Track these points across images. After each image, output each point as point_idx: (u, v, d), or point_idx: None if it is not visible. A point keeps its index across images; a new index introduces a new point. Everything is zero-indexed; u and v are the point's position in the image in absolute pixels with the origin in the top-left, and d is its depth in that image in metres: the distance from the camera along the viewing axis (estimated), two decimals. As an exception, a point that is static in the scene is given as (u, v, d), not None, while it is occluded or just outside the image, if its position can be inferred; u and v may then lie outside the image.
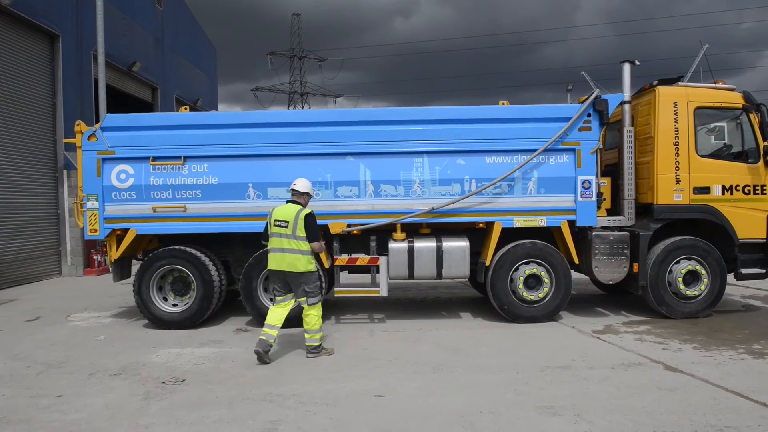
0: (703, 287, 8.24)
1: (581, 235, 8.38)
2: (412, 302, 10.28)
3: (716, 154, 8.42)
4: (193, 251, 8.16)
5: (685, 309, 8.27)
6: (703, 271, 8.21)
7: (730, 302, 9.51)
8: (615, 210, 8.61)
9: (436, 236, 8.28)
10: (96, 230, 8.13)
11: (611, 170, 8.86)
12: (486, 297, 8.77)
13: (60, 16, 14.48)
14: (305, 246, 6.50)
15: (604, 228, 8.36)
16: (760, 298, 10.01)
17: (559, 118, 8.11)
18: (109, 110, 12.25)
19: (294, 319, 7.01)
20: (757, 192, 8.29)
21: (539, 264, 8.18)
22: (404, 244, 8.16)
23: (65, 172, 14.62)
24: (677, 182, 8.21)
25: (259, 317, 8.14)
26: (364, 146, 8.06)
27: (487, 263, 8.20)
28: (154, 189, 8.08)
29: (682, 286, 8.20)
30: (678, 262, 8.24)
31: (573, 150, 8.10)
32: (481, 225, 8.35)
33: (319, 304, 6.68)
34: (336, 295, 8.28)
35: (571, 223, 8.19)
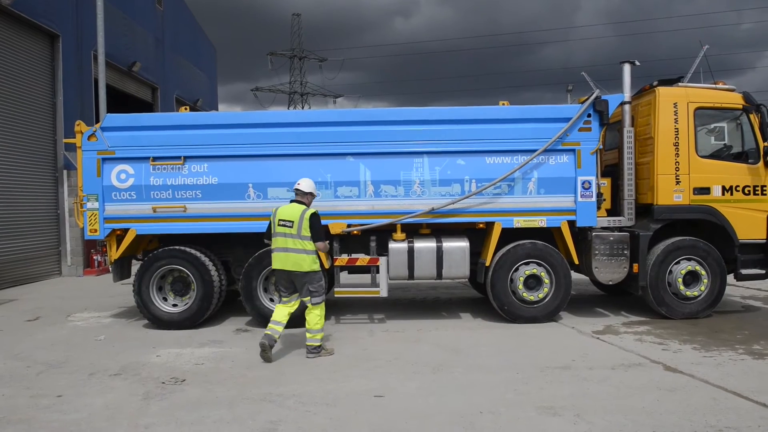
0: (703, 288, 8.25)
1: (581, 235, 8.38)
2: (412, 302, 10.28)
3: (716, 155, 8.42)
4: (193, 251, 8.16)
5: (685, 309, 8.27)
6: (703, 272, 8.22)
7: (730, 303, 9.51)
8: (615, 210, 8.61)
9: (436, 236, 8.28)
10: (96, 230, 8.13)
11: (611, 171, 8.86)
12: (486, 297, 8.77)
13: (60, 16, 14.48)
14: (310, 246, 6.53)
15: (604, 228, 8.36)
16: (760, 298, 10.01)
17: (559, 118, 8.11)
18: (109, 110, 12.25)
19: (295, 319, 7.02)
20: (757, 192, 8.29)
21: (539, 264, 8.18)
22: (404, 245, 8.16)
23: (65, 172, 14.62)
24: (677, 183, 8.22)
25: (259, 317, 8.15)
26: (365, 146, 8.06)
27: (487, 263, 8.21)
28: (154, 189, 8.08)
29: (682, 287, 8.20)
30: (678, 262, 8.24)
31: (573, 150, 8.11)
32: (481, 225, 8.35)
33: (323, 304, 6.71)
34: (336, 296, 8.28)
35: (571, 224, 8.20)
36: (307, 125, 8.17)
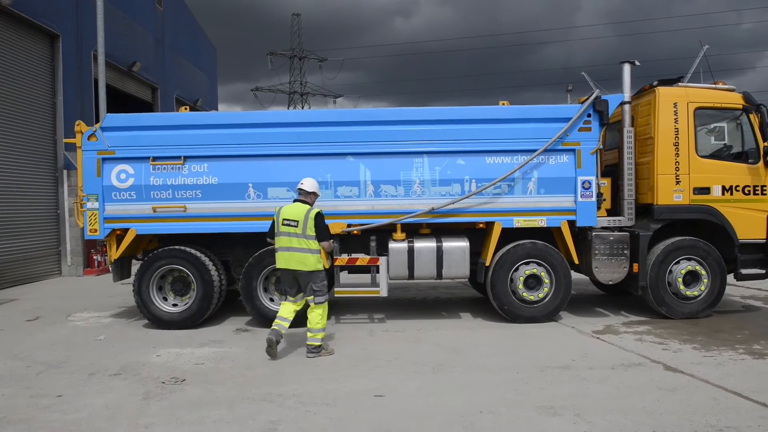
0: (703, 287, 8.25)
1: (581, 235, 8.38)
2: (412, 302, 10.28)
3: (716, 155, 8.42)
4: (193, 251, 8.16)
5: (685, 309, 8.27)
6: (703, 272, 8.22)
7: (730, 302, 9.51)
8: (615, 210, 8.61)
9: (436, 236, 8.28)
10: (96, 230, 8.13)
11: (611, 171, 8.86)
12: (486, 297, 8.77)
13: (60, 16, 14.48)
14: (315, 245, 6.56)
15: (604, 228, 8.36)
16: (760, 298, 10.01)
17: (559, 118, 8.11)
18: (109, 110, 12.24)
19: (297, 319, 7.02)
20: (757, 192, 8.29)
21: (539, 264, 8.18)
22: (404, 245, 8.16)
23: (65, 172, 14.62)
24: (677, 183, 8.22)
25: (259, 317, 8.15)
26: (365, 146, 8.06)
27: (487, 263, 8.21)
28: (154, 189, 8.08)
29: (682, 287, 8.20)
30: (678, 262, 8.24)
31: (573, 150, 8.11)
32: (481, 225, 8.35)
33: (326, 303, 6.73)
34: (336, 295, 8.28)
35: (571, 224, 8.20)
36: (307, 125, 8.17)
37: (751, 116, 8.32)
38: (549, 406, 4.96)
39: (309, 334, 6.67)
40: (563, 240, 8.18)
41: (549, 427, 4.57)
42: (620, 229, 8.40)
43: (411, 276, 8.20)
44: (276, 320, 6.70)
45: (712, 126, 8.49)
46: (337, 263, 8.10)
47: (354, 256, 8.27)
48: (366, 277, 8.32)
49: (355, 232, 8.15)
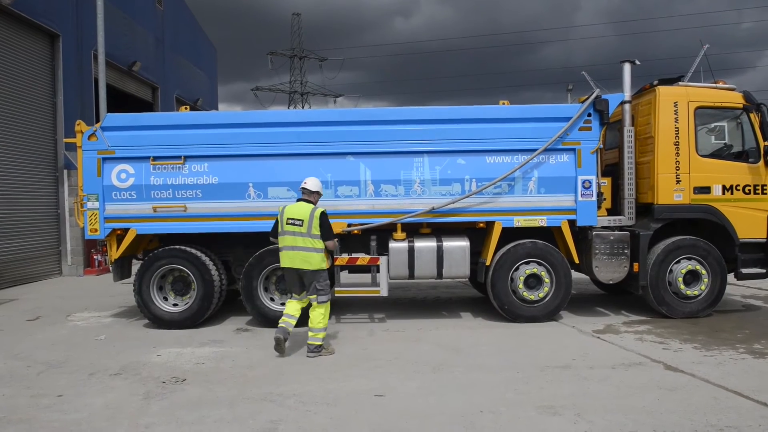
0: (703, 287, 8.24)
1: (581, 234, 8.38)
2: (413, 302, 10.28)
3: (717, 154, 8.42)
4: (194, 251, 8.16)
5: (685, 309, 8.27)
6: (704, 271, 8.21)
7: (730, 302, 9.51)
8: (615, 210, 8.61)
9: (437, 236, 8.28)
10: (96, 230, 8.13)
11: (611, 170, 8.86)
12: (486, 297, 8.77)
13: (60, 16, 14.48)
14: (319, 244, 6.59)
15: (604, 228, 8.36)
16: (761, 297, 10.00)
17: (560, 117, 8.11)
18: (110, 110, 12.24)
19: (300, 318, 7.02)
20: (757, 192, 8.28)
21: (539, 264, 8.18)
22: (404, 244, 8.15)
23: (65, 171, 14.62)
24: (677, 182, 8.21)
25: (259, 317, 8.15)
26: (365, 146, 8.06)
27: (488, 263, 8.20)
28: (155, 189, 8.08)
29: (682, 286, 8.20)
30: (678, 261, 8.24)
31: (573, 150, 8.10)
32: (482, 225, 8.35)
33: (328, 303, 6.76)
34: (336, 295, 8.27)
35: (572, 223, 8.19)
36: (308, 125, 8.17)
37: (752, 115, 8.32)
38: (549, 406, 4.96)
39: (310, 334, 6.67)
40: (563, 239, 8.18)
41: (549, 426, 4.57)
42: (620, 228, 8.40)
43: (411, 276, 8.20)
44: (282, 318, 6.75)
45: (713, 125, 8.49)
46: (337, 263, 8.10)
47: (354, 255, 8.28)
48: (366, 277, 8.31)
49: (356, 231, 8.15)
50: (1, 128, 12.75)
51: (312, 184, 6.87)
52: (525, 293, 8.16)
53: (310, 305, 6.80)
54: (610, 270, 8.25)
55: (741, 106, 8.35)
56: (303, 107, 65.94)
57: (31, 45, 13.79)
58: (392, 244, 8.16)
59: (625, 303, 9.57)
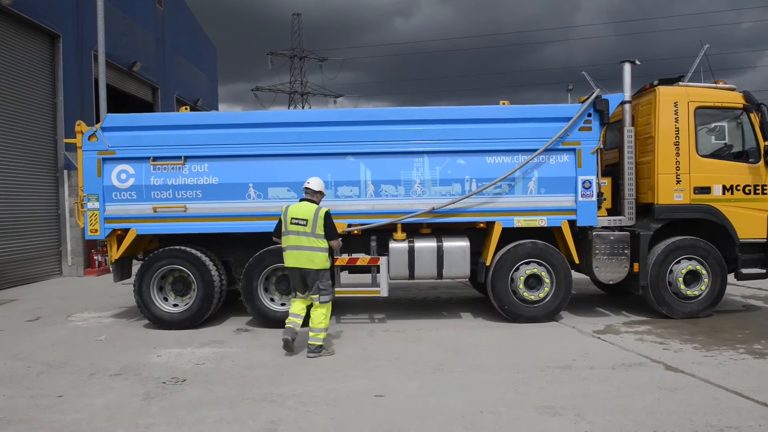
0: (703, 287, 8.24)
1: (582, 235, 8.38)
2: (413, 302, 10.27)
3: (717, 154, 8.41)
4: (194, 251, 8.16)
5: (685, 309, 8.26)
6: (704, 271, 8.21)
7: (730, 302, 9.50)
8: (615, 210, 8.61)
9: (437, 236, 8.28)
10: (96, 230, 8.13)
11: (612, 170, 8.86)
12: (486, 297, 8.77)
13: (60, 16, 14.49)
14: (324, 243, 6.63)
15: (604, 228, 8.35)
16: (761, 298, 10.00)
17: (560, 118, 8.11)
18: (110, 110, 12.25)
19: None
20: (757, 192, 8.28)
21: (540, 264, 8.18)
22: (405, 244, 8.15)
23: (66, 172, 14.63)
24: (678, 182, 8.21)
25: (259, 317, 8.16)
26: (365, 146, 8.06)
27: (488, 263, 8.20)
28: (155, 189, 8.08)
29: (682, 286, 8.20)
30: (678, 262, 8.24)
31: (573, 150, 8.10)
32: (482, 225, 8.35)
33: (330, 303, 6.77)
34: (336, 295, 8.26)
35: (572, 223, 8.19)
36: (308, 125, 8.17)
37: (752, 115, 8.32)
38: (549, 406, 4.96)
39: (311, 334, 6.68)
40: (564, 240, 8.18)
41: (549, 427, 4.57)
42: (621, 228, 8.40)
43: (411, 276, 8.20)
44: (289, 318, 6.78)
45: (713, 125, 8.49)
46: (337, 263, 8.10)
47: (354, 256, 8.28)
48: (366, 277, 8.32)
49: (356, 232, 8.15)
50: (1, 128, 12.76)
51: (315, 183, 6.90)
52: (525, 293, 8.15)
53: (311, 305, 6.81)
54: (610, 270, 8.25)
55: (741, 106, 8.35)
56: (303, 107, 65.93)
57: (31, 45, 13.79)
58: (392, 245, 8.16)
59: (625, 303, 9.57)
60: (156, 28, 20.42)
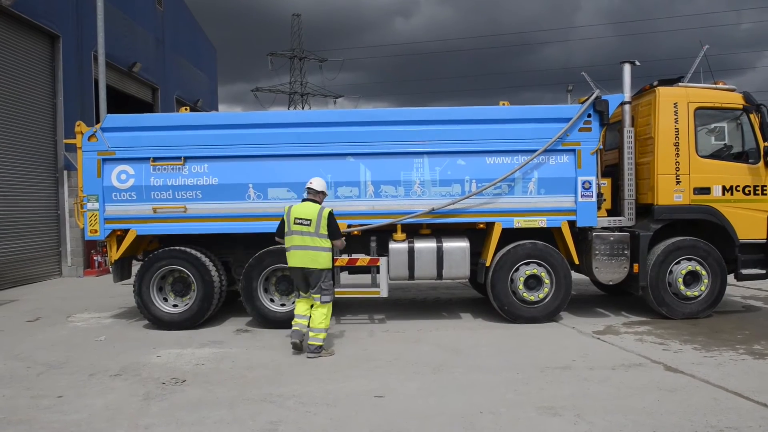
0: (703, 288, 8.24)
1: (581, 235, 8.38)
2: (413, 303, 10.28)
3: (716, 155, 8.42)
4: (194, 252, 8.16)
5: (685, 309, 8.27)
6: (704, 272, 8.21)
7: (730, 303, 9.51)
8: (615, 210, 8.61)
9: (437, 237, 8.28)
10: (96, 231, 8.13)
11: (611, 171, 8.86)
12: (486, 297, 8.77)
13: (60, 17, 14.49)
14: (327, 243, 6.66)
15: (604, 228, 8.36)
16: (761, 298, 10.00)
17: (560, 118, 8.11)
18: (110, 111, 12.26)
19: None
20: (757, 192, 8.29)
21: (539, 264, 8.18)
22: (404, 245, 8.15)
23: (65, 172, 14.62)
24: (677, 183, 8.21)
25: (259, 318, 8.16)
26: (365, 147, 8.06)
27: (488, 264, 8.20)
28: (155, 189, 8.08)
29: (682, 287, 8.20)
30: (678, 262, 8.24)
31: (573, 150, 8.11)
32: (482, 225, 8.35)
33: (331, 304, 6.79)
34: (336, 296, 8.25)
35: (572, 224, 8.19)
36: (308, 125, 8.17)
37: (752, 116, 8.32)
38: (549, 407, 4.96)
39: (311, 333, 6.68)
40: (563, 240, 8.18)
41: (549, 427, 4.57)
42: (620, 229, 8.40)
43: (411, 276, 8.20)
44: (294, 320, 6.81)
45: (713, 126, 8.49)
46: (337, 264, 8.07)
47: (354, 256, 8.27)
48: (366, 278, 8.32)
49: (356, 232, 8.15)
50: (1, 129, 12.76)
51: (318, 184, 6.92)
52: (525, 294, 8.16)
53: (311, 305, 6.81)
54: (610, 271, 8.25)
55: (741, 106, 8.35)
56: (303, 108, 65.97)
57: (31, 46, 13.80)
58: (392, 245, 8.16)
59: (625, 304, 9.57)
60: (156, 29, 20.42)
